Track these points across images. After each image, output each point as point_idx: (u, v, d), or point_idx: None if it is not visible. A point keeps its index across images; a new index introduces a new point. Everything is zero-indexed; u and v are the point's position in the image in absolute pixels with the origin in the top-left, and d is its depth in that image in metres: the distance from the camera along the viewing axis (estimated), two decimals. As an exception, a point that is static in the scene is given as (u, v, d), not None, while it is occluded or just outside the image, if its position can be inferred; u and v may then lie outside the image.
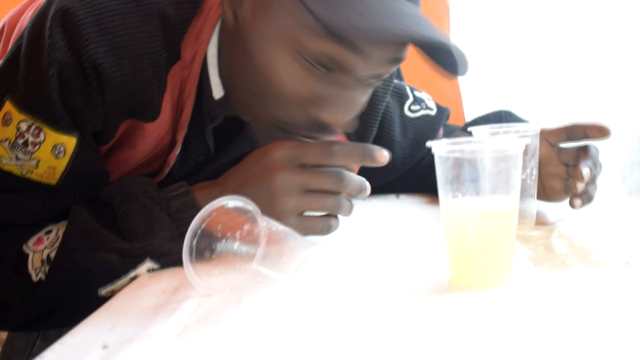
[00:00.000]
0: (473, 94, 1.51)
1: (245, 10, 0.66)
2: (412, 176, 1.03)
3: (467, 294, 0.54)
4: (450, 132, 1.03)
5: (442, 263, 0.58)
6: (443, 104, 1.05)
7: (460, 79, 1.53)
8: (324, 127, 0.67)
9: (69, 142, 0.65)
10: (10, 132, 0.63)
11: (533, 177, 0.74)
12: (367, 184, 0.68)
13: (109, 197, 0.65)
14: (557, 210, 0.83)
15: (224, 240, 0.57)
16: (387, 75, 0.69)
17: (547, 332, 0.44)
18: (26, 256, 0.63)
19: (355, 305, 0.53)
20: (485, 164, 0.54)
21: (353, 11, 0.58)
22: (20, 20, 0.77)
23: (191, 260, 0.56)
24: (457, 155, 0.54)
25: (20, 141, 0.63)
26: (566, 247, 0.66)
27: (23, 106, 0.63)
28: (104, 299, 0.60)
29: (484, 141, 0.58)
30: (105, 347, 0.47)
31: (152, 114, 0.69)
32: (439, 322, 0.48)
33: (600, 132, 0.76)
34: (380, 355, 0.43)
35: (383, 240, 0.77)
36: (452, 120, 1.09)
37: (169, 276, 0.63)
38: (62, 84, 0.63)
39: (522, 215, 0.63)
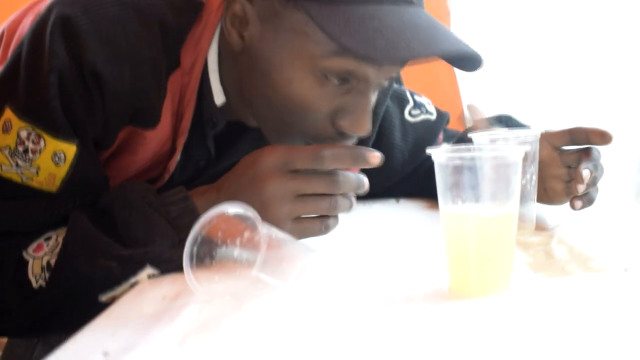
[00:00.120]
0: (473, 98, 1.52)
1: (251, 31, 0.67)
2: (412, 180, 1.04)
3: (466, 302, 0.54)
4: (450, 137, 1.04)
5: (442, 269, 0.58)
6: (443, 108, 1.06)
7: (460, 82, 1.54)
8: (345, 135, 0.69)
9: (69, 150, 0.65)
10: (10, 139, 0.63)
11: (533, 183, 0.74)
12: (365, 180, 0.67)
13: (107, 204, 0.65)
14: (557, 215, 0.83)
15: (224, 247, 0.57)
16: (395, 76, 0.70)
17: (546, 340, 0.45)
18: (26, 263, 0.64)
19: (354, 313, 0.53)
20: (485, 171, 0.55)
21: (369, 29, 0.60)
22: (20, 26, 0.77)
23: (191, 267, 0.56)
24: (457, 162, 0.55)
25: (21, 148, 0.63)
26: (566, 253, 0.66)
27: (23, 113, 0.63)
28: (105, 305, 0.60)
29: (484, 148, 0.58)
30: (106, 354, 0.48)
31: (152, 121, 0.70)
32: (439, 330, 0.48)
33: (602, 137, 0.76)
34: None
35: (383, 246, 0.77)
36: (452, 123, 1.09)
37: (170, 282, 0.63)
38: (62, 92, 0.63)
39: (521, 220, 0.63)
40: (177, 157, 0.74)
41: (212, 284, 0.57)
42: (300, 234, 0.66)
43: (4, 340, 0.92)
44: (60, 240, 0.64)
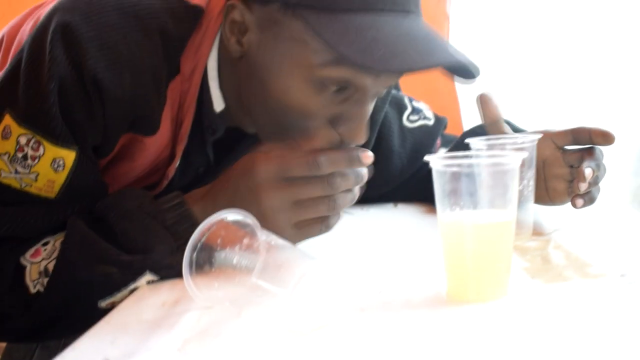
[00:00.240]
0: (471, 102, 1.52)
1: (250, 38, 0.68)
2: (410, 185, 1.04)
3: (464, 307, 0.54)
4: (448, 142, 1.04)
5: (440, 275, 0.59)
6: (441, 113, 1.06)
7: (458, 87, 1.54)
8: (343, 143, 0.69)
9: (68, 156, 0.65)
10: (9, 145, 0.64)
11: (530, 188, 0.74)
12: (363, 172, 0.67)
13: (104, 213, 0.65)
14: (554, 220, 0.84)
15: (223, 254, 0.57)
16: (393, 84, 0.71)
17: (544, 346, 0.45)
18: (24, 268, 0.64)
19: (353, 319, 0.53)
20: (483, 178, 0.55)
21: (367, 38, 0.60)
22: (20, 31, 0.77)
23: (191, 273, 0.56)
24: (455, 169, 0.55)
25: (20, 155, 0.64)
26: (563, 259, 0.66)
27: (23, 120, 0.63)
28: (104, 311, 0.61)
29: (481, 155, 0.59)
30: None
31: (152, 128, 0.70)
32: (437, 336, 0.49)
33: (605, 137, 0.76)
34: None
35: (381, 250, 0.78)
36: (450, 127, 1.10)
37: (169, 288, 0.63)
38: (62, 99, 0.63)
39: (519, 225, 0.63)
40: (177, 163, 0.74)
41: (212, 290, 0.57)
42: (301, 238, 0.67)
43: (3, 344, 0.92)
44: (57, 245, 0.64)
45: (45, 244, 0.65)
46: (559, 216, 0.85)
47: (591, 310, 0.52)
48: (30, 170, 0.64)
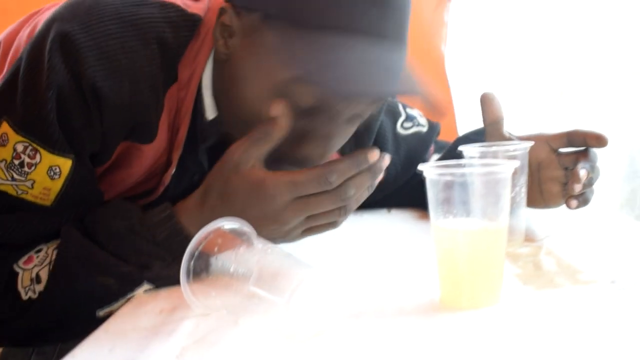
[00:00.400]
0: (465, 108, 1.53)
1: (235, 42, 0.68)
2: (404, 191, 1.04)
3: (458, 314, 0.55)
4: (442, 148, 1.05)
5: (433, 281, 0.59)
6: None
7: (453, 92, 1.54)
8: (300, 162, 0.69)
9: (65, 164, 0.65)
10: (6, 152, 0.64)
11: (522, 195, 0.75)
12: (378, 167, 0.66)
13: (94, 231, 0.65)
14: (545, 226, 0.84)
15: (220, 262, 0.57)
16: (368, 115, 0.70)
17: (535, 353, 0.46)
18: (16, 275, 0.64)
19: (348, 326, 0.54)
20: (476, 187, 0.56)
21: (329, 59, 0.61)
22: (18, 37, 0.77)
23: (188, 282, 0.57)
24: (448, 178, 0.56)
25: (17, 162, 0.64)
26: (554, 265, 0.67)
27: (20, 127, 0.63)
28: (102, 318, 0.61)
29: (474, 164, 0.59)
30: None
31: (150, 135, 0.70)
32: (431, 343, 0.49)
33: (598, 140, 0.77)
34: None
35: (375, 257, 0.78)
36: (445, 133, 1.10)
37: (166, 296, 0.64)
38: (60, 107, 0.63)
39: (511, 231, 0.64)
40: (173, 170, 0.74)
41: (209, 298, 0.57)
42: (307, 236, 0.69)
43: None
44: (50, 253, 0.65)
45: (38, 251, 0.65)
46: (551, 222, 0.86)
47: (582, 317, 0.53)
48: (26, 177, 0.64)
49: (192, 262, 0.57)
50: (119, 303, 0.63)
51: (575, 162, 0.78)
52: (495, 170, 0.56)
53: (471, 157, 0.73)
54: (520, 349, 0.47)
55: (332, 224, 0.69)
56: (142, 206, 0.68)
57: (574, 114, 1.49)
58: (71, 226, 0.66)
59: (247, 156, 0.65)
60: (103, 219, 0.66)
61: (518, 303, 0.57)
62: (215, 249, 0.57)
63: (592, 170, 0.77)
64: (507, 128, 0.84)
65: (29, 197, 0.65)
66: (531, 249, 0.74)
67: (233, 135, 0.72)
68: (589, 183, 0.78)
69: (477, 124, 0.92)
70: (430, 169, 0.57)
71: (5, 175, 0.64)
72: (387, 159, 0.66)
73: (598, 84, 1.51)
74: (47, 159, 0.64)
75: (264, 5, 0.65)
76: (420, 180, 0.59)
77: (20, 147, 0.64)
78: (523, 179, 0.75)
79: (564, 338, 0.48)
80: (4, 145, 0.64)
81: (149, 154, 0.72)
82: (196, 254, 0.57)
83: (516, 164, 0.58)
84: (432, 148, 1.04)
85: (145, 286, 0.64)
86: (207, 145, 0.76)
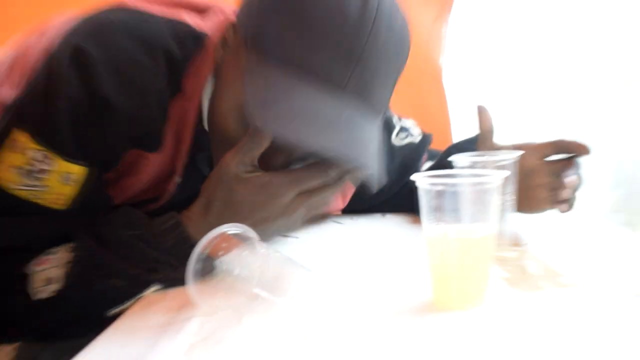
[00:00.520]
0: (461, 119, 1.56)
1: (227, 56, 0.72)
2: (398, 198, 1.08)
3: (448, 315, 0.58)
4: (434, 157, 1.09)
5: (425, 283, 0.62)
6: (432, 128, 1.11)
7: (448, 101, 1.58)
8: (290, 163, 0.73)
9: (77, 171, 0.68)
10: (23, 159, 0.66)
11: (509, 202, 0.78)
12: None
13: (104, 238, 0.68)
14: (532, 232, 0.87)
15: (225, 265, 0.60)
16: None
17: (519, 350, 0.49)
18: (29, 276, 0.66)
19: (346, 324, 0.56)
20: (466, 196, 0.58)
21: (274, 96, 0.63)
22: (31, 50, 0.79)
23: (195, 283, 0.59)
24: (440, 187, 0.58)
25: (33, 168, 0.66)
26: (538, 269, 0.70)
27: (37, 137, 0.66)
28: (112, 317, 0.63)
29: (464, 174, 0.62)
30: None
31: (156, 145, 0.73)
32: (424, 342, 0.52)
33: (582, 149, 0.82)
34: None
35: (370, 260, 0.80)
36: (442, 141, 1.14)
37: (174, 295, 0.67)
38: (74, 118, 0.66)
39: (499, 236, 0.66)
40: (177, 177, 0.77)
41: (214, 298, 0.60)
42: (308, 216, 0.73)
43: (9, 347, 0.94)
44: (64, 255, 0.67)
45: (50, 254, 0.67)
46: (536, 228, 0.89)
47: (561, 317, 0.56)
48: (41, 183, 0.67)
49: (198, 265, 0.59)
50: (129, 303, 0.66)
51: (562, 170, 0.82)
52: (485, 180, 0.59)
53: (462, 167, 0.76)
54: (505, 346, 0.50)
55: (326, 205, 0.73)
56: (149, 214, 0.71)
57: (564, 123, 1.52)
58: (84, 232, 0.68)
59: (243, 164, 0.68)
60: (113, 228, 0.68)
61: (504, 304, 0.60)
62: (220, 252, 0.60)
63: (577, 178, 0.81)
64: (497, 138, 0.88)
65: (42, 202, 0.67)
66: (518, 253, 0.78)
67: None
68: (575, 189, 0.82)
69: (471, 132, 0.96)
70: (423, 179, 0.59)
71: (21, 181, 0.66)
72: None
73: (587, 93, 1.54)
74: (61, 166, 0.67)
75: (244, 29, 0.69)
76: (413, 188, 0.62)
77: (36, 155, 0.66)
78: (511, 187, 0.78)
79: (545, 336, 0.51)
80: (21, 153, 0.66)
81: (155, 161, 0.75)
82: (202, 257, 0.60)
83: (505, 174, 0.60)
84: (424, 156, 1.08)
85: (154, 287, 0.67)
86: (207, 154, 0.79)
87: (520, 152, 0.79)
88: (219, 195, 0.70)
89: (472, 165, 0.75)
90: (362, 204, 1.07)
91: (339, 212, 1.11)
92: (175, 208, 0.71)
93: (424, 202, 0.60)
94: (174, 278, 0.66)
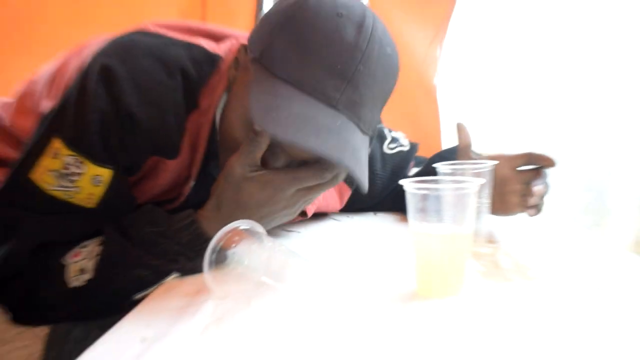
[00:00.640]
0: (451, 129, 1.60)
1: (238, 73, 0.78)
2: (388, 200, 1.17)
3: (430, 302, 0.64)
4: (420, 163, 1.18)
5: (411, 274, 0.68)
6: (425, 137, 1.20)
7: (440, 110, 1.66)
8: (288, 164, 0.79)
9: (106, 174, 0.74)
10: (58, 164, 0.72)
11: (485, 204, 0.86)
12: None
13: (130, 236, 0.74)
14: (504, 231, 0.95)
15: (236, 256, 0.66)
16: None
17: (491, 332, 0.56)
18: (65, 267, 0.72)
19: (341, 309, 0.62)
20: (447, 199, 0.64)
21: (276, 105, 0.68)
22: (68, 67, 0.86)
23: (210, 271, 0.65)
24: (425, 192, 0.65)
25: (66, 172, 0.72)
26: (509, 264, 0.77)
27: (70, 144, 0.72)
28: (137, 300, 0.70)
29: (446, 180, 0.68)
30: (143, 340, 0.57)
31: (173, 153, 0.79)
32: (408, 325, 0.58)
33: (549, 162, 0.91)
34: (361, 347, 0.53)
35: (363, 253, 0.86)
36: (433, 147, 1.22)
37: (191, 282, 0.73)
38: (102, 128, 0.72)
39: (475, 234, 0.72)
40: (191, 182, 0.83)
41: (227, 285, 0.66)
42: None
43: (43, 333, 0.97)
44: (95, 249, 0.73)
45: (83, 247, 0.74)
46: (508, 228, 0.96)
47: (528, 306, 0.62)
48: (74, 184, 0.73)
49: (213, 255, 0.65)
50: (152, 289, 0.72)
51: (532, 179, 0.91)
52: (464, 186, 0.65)
53: (444, 174, 0.83)
54: (479, 329, 0.56)
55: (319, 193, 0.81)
56: (168, 212, 0.77)
57: (539, 132, 1.59)
58: (112, 228, 0.74)
59: (247, 165, 0.75)
60: (137, 225, 0.74)
61: (479, 293, 0.66)
62: (233, 245, 0.66)
63: (545, 186, 0.90)
64: (475, 149, 0.96)
65: (75, 201, 0.73)
66: (492, 249, 0.85)
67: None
68: (542, 196, 0.90)
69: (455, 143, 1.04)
70: (410, 184, 0.65)
71: (57, 183, 0.72)
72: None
73: (561, 104, 1.60)
74: (92, 169, 0.73)
75: (254, 46, 0.75)
76: (401, 191, 0.68)
77: (70, 160, 0.72)
78: (486, 192, 0.85)
79: (513, 321, 0.58)
80: (57, 158, 0.72)
81: (173, 168, 0.81)
82: (217, 248, 0.66)
83: (481, 181, 0.67)
84: (412, 163, 1.18)
85: (174, 275, 0.74)
86: (219, 162, 0.85)
87: (495, 162, 0.87)
88: (228, 194, 0.76)
89: (453, 173, 0.82)
90: (358, 206, 1.16)
91: (337, 212, 1.18)
92: (190, 208, 0.77)
93: (411, 204, 0.66)
94: (190, 267, 0.73)
